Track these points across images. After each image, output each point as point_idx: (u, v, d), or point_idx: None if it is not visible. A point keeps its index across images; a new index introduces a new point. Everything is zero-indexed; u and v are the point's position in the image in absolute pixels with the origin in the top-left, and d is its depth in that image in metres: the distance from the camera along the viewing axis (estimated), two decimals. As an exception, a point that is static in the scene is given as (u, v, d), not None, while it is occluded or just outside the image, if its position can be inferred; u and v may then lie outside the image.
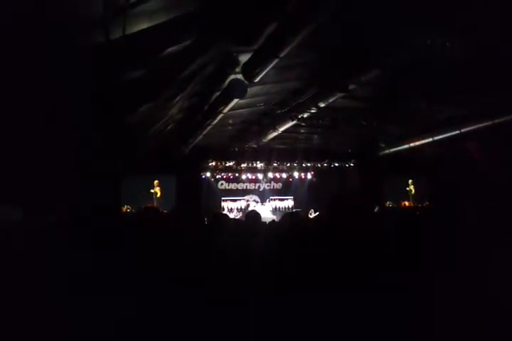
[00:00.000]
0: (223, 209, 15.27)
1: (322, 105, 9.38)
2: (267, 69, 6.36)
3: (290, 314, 1.59)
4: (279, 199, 16.57)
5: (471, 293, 1.60)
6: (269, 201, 16.38)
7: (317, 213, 14.39)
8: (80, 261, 1.76)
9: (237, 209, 15.76)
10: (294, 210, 15.17)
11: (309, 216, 14.14)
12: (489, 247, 1.75)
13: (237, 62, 6.98)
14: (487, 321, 1.56)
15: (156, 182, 13.35)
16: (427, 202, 14.35)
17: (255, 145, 14.02)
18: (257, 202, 16.25)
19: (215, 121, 9.40)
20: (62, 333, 1.59)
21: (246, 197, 16.19)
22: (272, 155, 14.90)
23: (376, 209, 9.00)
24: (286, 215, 3.71)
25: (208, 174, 15.16)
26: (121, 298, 1.64)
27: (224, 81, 7.51)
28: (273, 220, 6.69)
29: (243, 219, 5.02)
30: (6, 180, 4.81)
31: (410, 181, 15.24)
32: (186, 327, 1.67)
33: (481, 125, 9.54)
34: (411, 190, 15.27)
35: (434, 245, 1.94)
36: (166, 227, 1.98)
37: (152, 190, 13.36)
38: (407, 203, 15.08)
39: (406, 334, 1.53)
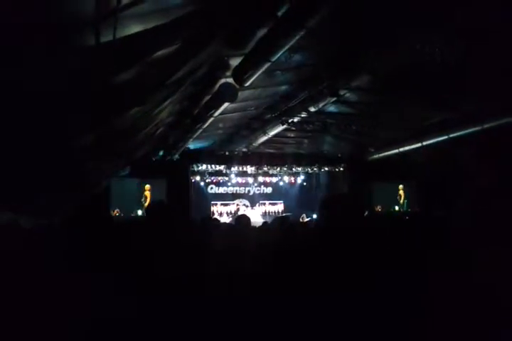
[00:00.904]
0: (213, 214, 15.23)
1: (312, 110, 9.41)
2: (258, 73, 6.36)
3: (288, 315, 1.58)
4: (269, 204, 16.58)
5: (469, 292, 1.61)
6: (259, 205, 16.39)
7: (309, 218, 14.45)
8: (77, 262, 1.75)
9: (227, 213, 15.73)
10: (284, 214, 15.19)
11: (301, 220, 14.20)
12: (483, 247, 1.76)
13: (227, 66, 6.98)
14: (486, 321, 1.56)
15: (147, 186, 13.23)
16: (417, 207, 14.40)
17: (245, 150, 14.03)
18: (247, 206, 16.25)
19: (206, 125, 9.40)
20: (61, 333, 1.59)
21: (236, 201, 16.18)
22: (262, 159, 14.88)
23: (365, 214, 9.03)
24: (277, 219, 3.73)
25: (198, 178, 15.13)
26: (121, 298, 1.64)
27: (215, 85, 7.50)
28: (263, 223, 6.68)
29: (233, 223, 5.01)
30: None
31: (401, 186, 15.25)
32: (185, 328, 1.67)
33: (470, 130, 9.63)
34: (401, 195, 15.30)
35: (428, 246, 1.95)
36: (161, 228, 1.98)
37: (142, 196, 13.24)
38: (397, 208, 15.11)
39: (405, 335, 1.53)
